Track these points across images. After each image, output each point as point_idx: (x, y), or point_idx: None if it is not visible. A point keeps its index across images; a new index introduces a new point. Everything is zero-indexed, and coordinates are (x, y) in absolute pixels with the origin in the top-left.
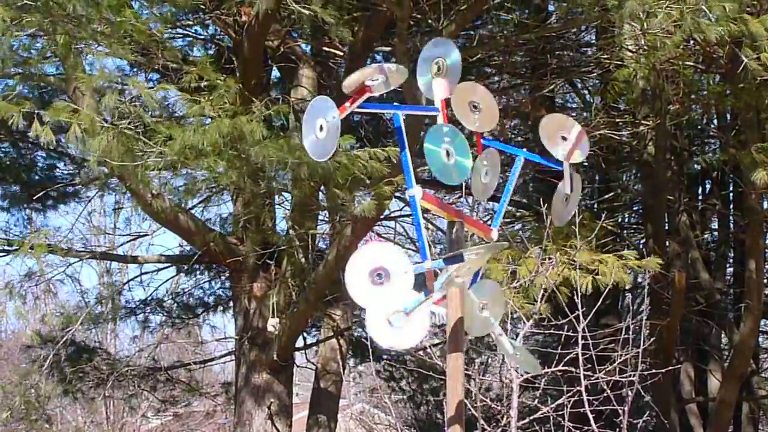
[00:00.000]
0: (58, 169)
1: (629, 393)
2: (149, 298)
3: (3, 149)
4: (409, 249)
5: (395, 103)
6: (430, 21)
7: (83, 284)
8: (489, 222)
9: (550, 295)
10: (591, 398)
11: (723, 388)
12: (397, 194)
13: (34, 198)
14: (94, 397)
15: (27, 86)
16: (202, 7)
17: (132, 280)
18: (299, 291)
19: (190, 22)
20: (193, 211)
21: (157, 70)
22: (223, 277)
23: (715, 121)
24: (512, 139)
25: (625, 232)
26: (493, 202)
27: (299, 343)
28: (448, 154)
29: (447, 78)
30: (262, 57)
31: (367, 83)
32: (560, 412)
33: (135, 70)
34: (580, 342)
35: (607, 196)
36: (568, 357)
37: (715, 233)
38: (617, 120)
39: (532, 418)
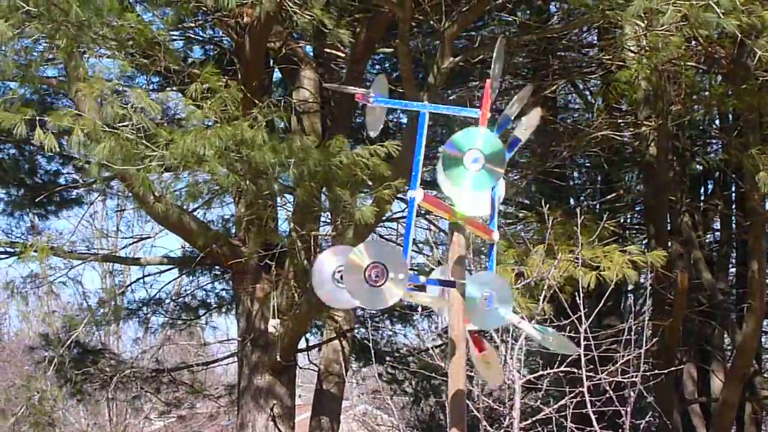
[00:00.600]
0: (61, 174)
1: (632, 394)
2: (152, 300)
3: (5, 152)
4: (411, 249)
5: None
6: (431, 22)
7: (86, 287)
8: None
9: (553, 295)
10: (593, 399)
11: (726, 388)
12: (400, 196)
13: (37, 201)
14: (98, 400)
15: (29, 89)
16: (204, 9)
17: (135, 282)
18: (301, 292)
19: (192, 24)
20: (195, 213)
21: (158, 73)
22: (225, 279)
23: (717, 122)
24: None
25: (627, 232)
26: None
27: (302, 344)
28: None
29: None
30: (264, 58)
31: None
32: (563, 413)
33: (136, 72)
34: (583, 343)
35: (609, 197)
36: (570, 358)
37: (718, 234)
38: (619, 121)
39: (534, 419)
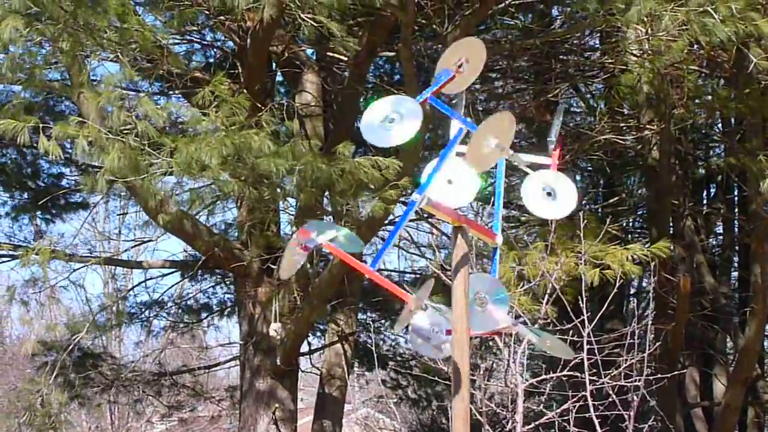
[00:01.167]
0: (63, 177)
1: (634, 398)
2: (154, 303)
3: (7, 156)
4: (414, 253)
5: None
6: (434, 26)
7: (88, 290)
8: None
9: (556, 299)
10: (596, 403)
11: (728, 392)
12: (403, 198)
13: (40, 205)
14: (100, 403)
15: (32, 92)
16: (207, 12)
17: (137, 285)
18: (303, 296)
19: (195, 28)
20: (197, 217)
21: (161, 77)
22: (227, 282)
23: (720, 126)
24: (516, 143)
25: (629, 236)
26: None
27: (304, 348)
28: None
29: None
30: (267, 62)
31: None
32: (565, 417)
33: (139, 76)
34: (585, 347)
35: (611, 201)
36: (573, 362)
37: (720, 237)
38: (622, 124)
39: (537, 423)
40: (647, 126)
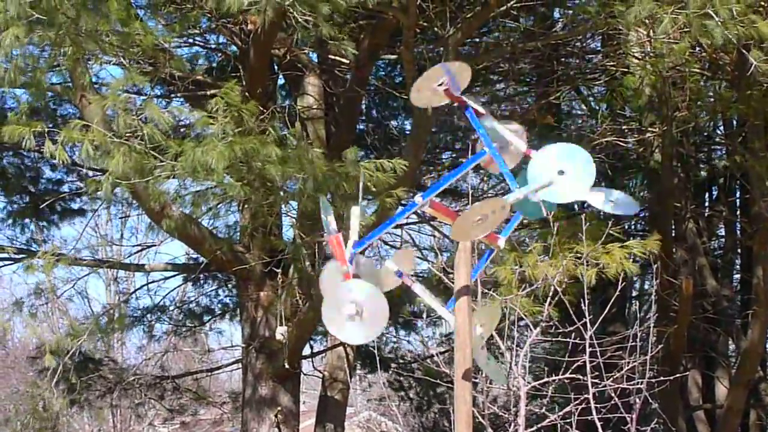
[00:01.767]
0: (64, 182)
1: (637, 400)
2: (156, 307)
3: (8, 159)
4: (416, 256)
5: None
6: (436, 29)
7: (90, 294)
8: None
9: (558, 302)
10: (599, 406)
11: (730, 395)
12: (404, 203)
13: (41, 209)
14: (101, 408)
15: (33, 95)
16: (209, 15)
17: (139, 289)
18: (306, 299)
19: (197, 31)
20: (200, 220)
21: (163, 80)
22: (230, 286)
23: (722, 128)
24: None
25: (631, 238)
26: None
27: (306, 351)
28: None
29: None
30: (269, 65)
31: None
32: (568, 420)
33: (142, 80)
34: (588, 350)
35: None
36: (575, 365)
37: (722, 240)
38: (623, 127)
39: (539, 426)
40: (649, 128)
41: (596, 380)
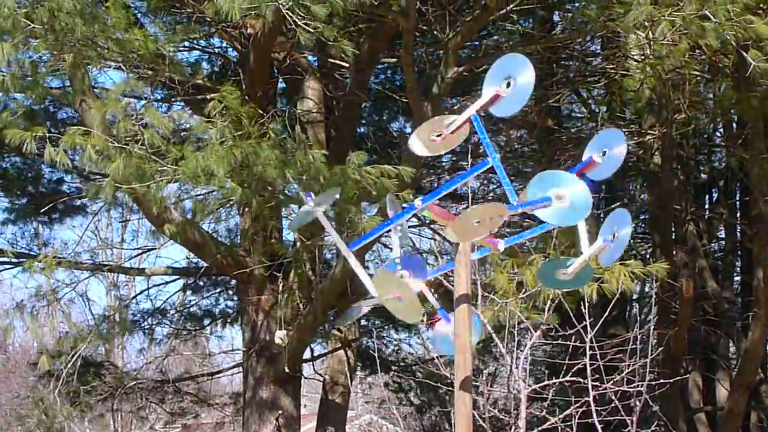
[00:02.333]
0: (64, 182)
1: (637, 403)
2: (157, 311)
3: (9, 161)
4: None
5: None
6: (435, 32)
7: (91, 298)
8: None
9: (558, 304)
10: (599, 408)
11: (731, 397)
12: (405, 205)
13: (41, 211)
14: (102, 414)
15: (33, 100)
16: (209, 20)
17: (140, 293)
18: (306, 303)
19: (197, 36)
20: (200, 224)
21: (163, 84)
22: (230, 290)
23: (722, 130)
24: (518, 149)
25: (632, 241)
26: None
27: (307, 354)
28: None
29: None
30: (269, 69)
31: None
32: (568, 423)
33: (141, 85)
34: (588, 352)
35: (613, 206)
36: (575, 367)
37: (723, 242)
38: (623, 129)
39: (540, 428)
40: (649, 131)
41: (597, 383)
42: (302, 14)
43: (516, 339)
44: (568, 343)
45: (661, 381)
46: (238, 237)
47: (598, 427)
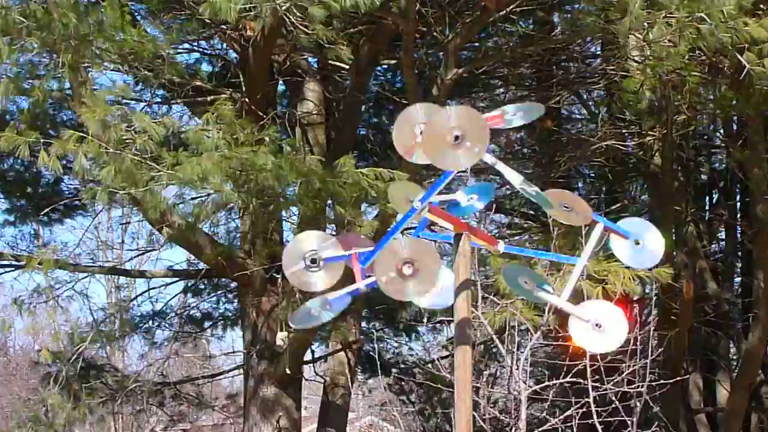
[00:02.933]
0: (62, 181)
1: (638, 404)
2: (157, 313)
3: (8, 162)
4: None
5: None
6: (435, 34)
7: (91, 300)
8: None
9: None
10: (599, 410)
11: (732, 398)
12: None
13: (41, 212)
14: (102, 417)
15: (31, 102)
16: (208, 21)
17: (140, 295)
18: None
19: (195, 38)
20: (200, 226)
21: (162, 86)
22: (231, 292)
23: (722, 131)
24: (518, 150)
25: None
26: (500, 214)
27: (307, 356)
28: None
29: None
30: (268, 71)
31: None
32: (569, 424)
33: (141, 87)
34: (588, 353)
35: (613, 207)
36: (576, 368)
37: (723, 243)
38: (623, 131)
39: (540, 430)
40: (649, 132)
41: (597, 384)
42: (300, 16)
43: (516, 340)
44: (569, 344)
45: (662, 382)
46: (238, 239)
47: (599, 428)
